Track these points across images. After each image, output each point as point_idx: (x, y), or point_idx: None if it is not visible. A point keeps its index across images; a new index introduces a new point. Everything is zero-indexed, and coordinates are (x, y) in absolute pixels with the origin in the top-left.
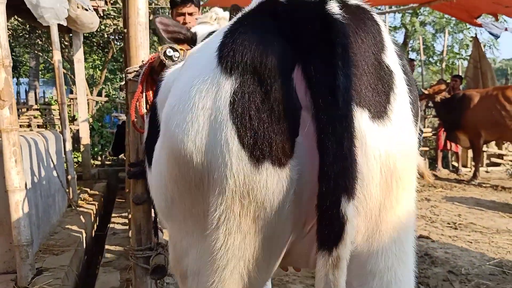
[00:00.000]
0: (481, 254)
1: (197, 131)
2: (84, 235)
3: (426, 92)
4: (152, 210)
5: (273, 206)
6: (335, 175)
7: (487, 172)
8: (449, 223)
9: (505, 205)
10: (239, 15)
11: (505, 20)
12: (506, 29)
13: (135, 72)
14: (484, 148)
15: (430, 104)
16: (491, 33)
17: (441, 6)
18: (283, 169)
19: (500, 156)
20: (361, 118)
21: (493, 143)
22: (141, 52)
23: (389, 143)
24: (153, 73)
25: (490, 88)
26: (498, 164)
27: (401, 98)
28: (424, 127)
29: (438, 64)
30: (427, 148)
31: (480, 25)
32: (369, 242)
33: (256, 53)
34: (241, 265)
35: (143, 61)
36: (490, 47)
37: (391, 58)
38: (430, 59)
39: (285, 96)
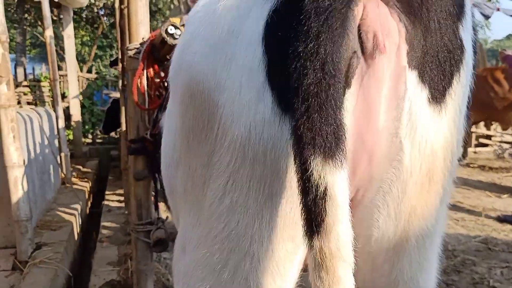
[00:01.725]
0: (467, 231)
1: (218, 58)
2: (79, 211)
3: None
4: (153, 186)
5: None
6: (308, 120)
7: (475, 152)
8: None
9: (491, 185)
10: None
11: (497, 0)
12: (498, 9)
13: (136, 49)
14: (473, 129)
15: None
16: (482, 14)
17: None
18: None
19: (488, 137)
20: (420, 96)
21: (481, 124)
22: (142, 29)
23: (436, 136)
24: (154, 51)
25: (479, 69)
26: (486, 145)
27: (463, 84)
28: None
29: None
30: None
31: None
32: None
33: None
34: (247, 264)
35: (143, 38)
36: (482, 28)
37: (466, 30)
38: None
39: (345, 32)
